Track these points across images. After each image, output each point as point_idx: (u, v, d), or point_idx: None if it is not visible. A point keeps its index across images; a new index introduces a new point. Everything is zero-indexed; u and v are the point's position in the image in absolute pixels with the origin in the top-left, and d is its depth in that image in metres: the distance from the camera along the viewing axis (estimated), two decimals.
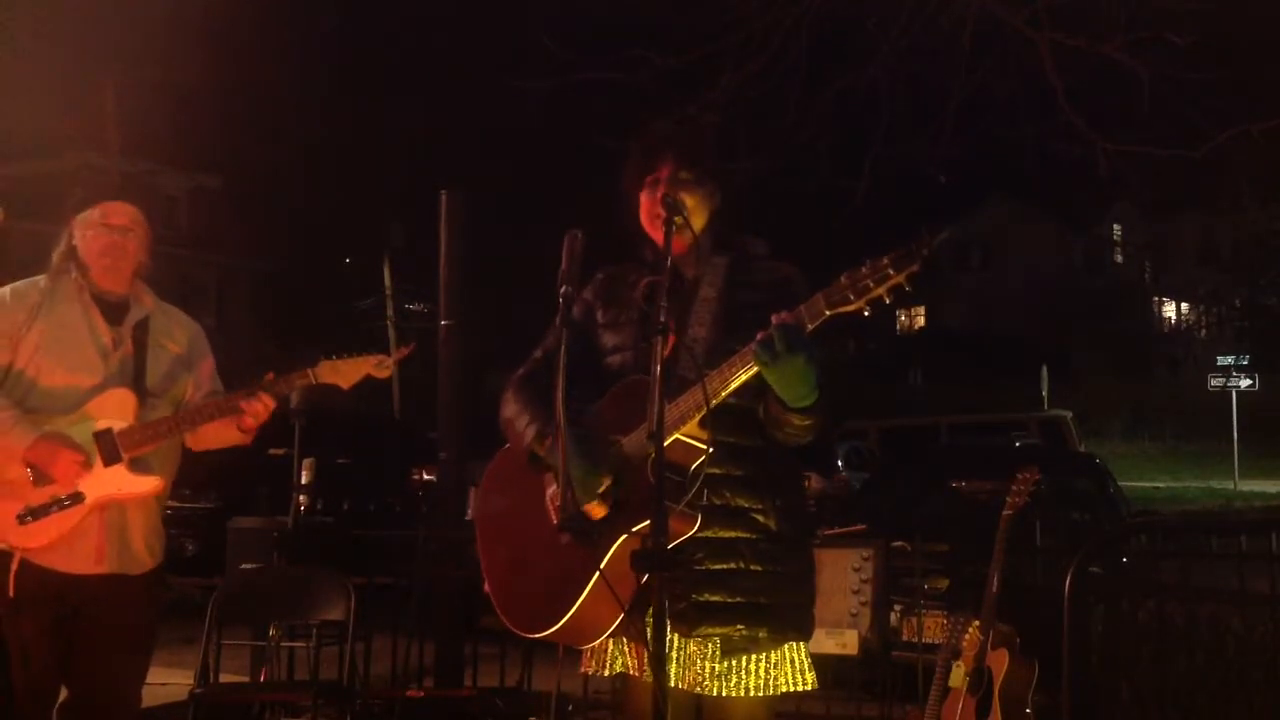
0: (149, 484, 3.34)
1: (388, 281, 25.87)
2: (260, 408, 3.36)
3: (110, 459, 3.28)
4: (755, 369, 2.43)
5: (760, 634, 2.66)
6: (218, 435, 3.48)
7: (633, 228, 2.85)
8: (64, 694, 3.36)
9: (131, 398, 3.35)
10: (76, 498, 3.23)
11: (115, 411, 3.32)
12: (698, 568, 2.63)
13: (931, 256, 2.26)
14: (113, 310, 3.43)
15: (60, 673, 3.30)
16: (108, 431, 3.29)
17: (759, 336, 2.38)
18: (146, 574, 3.39)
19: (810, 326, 2.38)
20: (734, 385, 2.47)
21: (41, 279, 3.43)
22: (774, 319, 2.39)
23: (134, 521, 3.36)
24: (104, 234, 3.40)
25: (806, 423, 2.56)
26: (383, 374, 3.51)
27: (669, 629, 2.64)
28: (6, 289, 3.41)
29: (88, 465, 3.24)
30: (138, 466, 3.32)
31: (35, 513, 3.19)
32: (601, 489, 2.52)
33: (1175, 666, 4.73)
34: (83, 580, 3.26)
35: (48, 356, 3.32)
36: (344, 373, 3.46)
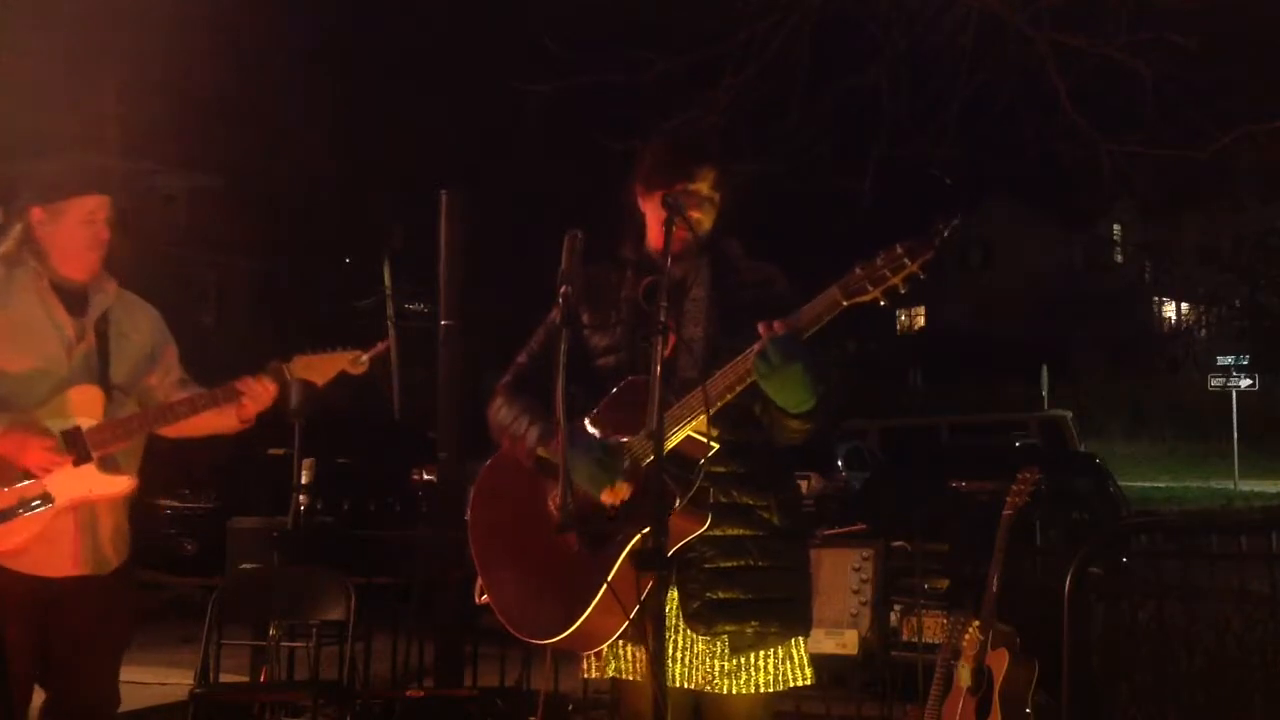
0: (120, 484, 3.25)
1: (388, 281, 25.87)
2: (261, 392, 3.28)
3: (80, 458, 3.16)
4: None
5: (772, 629, 2.68)
6: (205, 423, 3.36)
7: (627, 223, 2.84)
8: (42, 696, 3.30)
9: (98, 394, 3.24)
10: (45, 499, 3.12)
11: (82, 408, 3.21)
12: (709, 566, 2.64)
13: (945, 243, 2.28)
14: (73, 300, 3.30)
15: (36, 675, 3.23)
16: (76, 430, 3.17)
17: (754, 348, 2.39)
18: (115, 572, 3.31)
19: (828, 318, 2.40)
20: (738, 391, 2.48)
21: None
22: (762, 329, 2.40)
23: (103, 521, 3.26)
24: (90, 229, 3.30)
25: (806, 426, 2.59)
26: (358, 370, 3.43)
27: (686, 629, 2.65)
28: None
29: (59, 451, 3.13)
30: (107, 465, 3.21)
31: (3, 515, 3.08)
32: (620, 473, 2.52)
33: (1175, 666, 4.73)
34: (59, 583, 3.18)
35: (8, 350, 3.20)
36: (319, 368, 3.38)
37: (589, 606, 2.52)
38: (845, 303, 2.37)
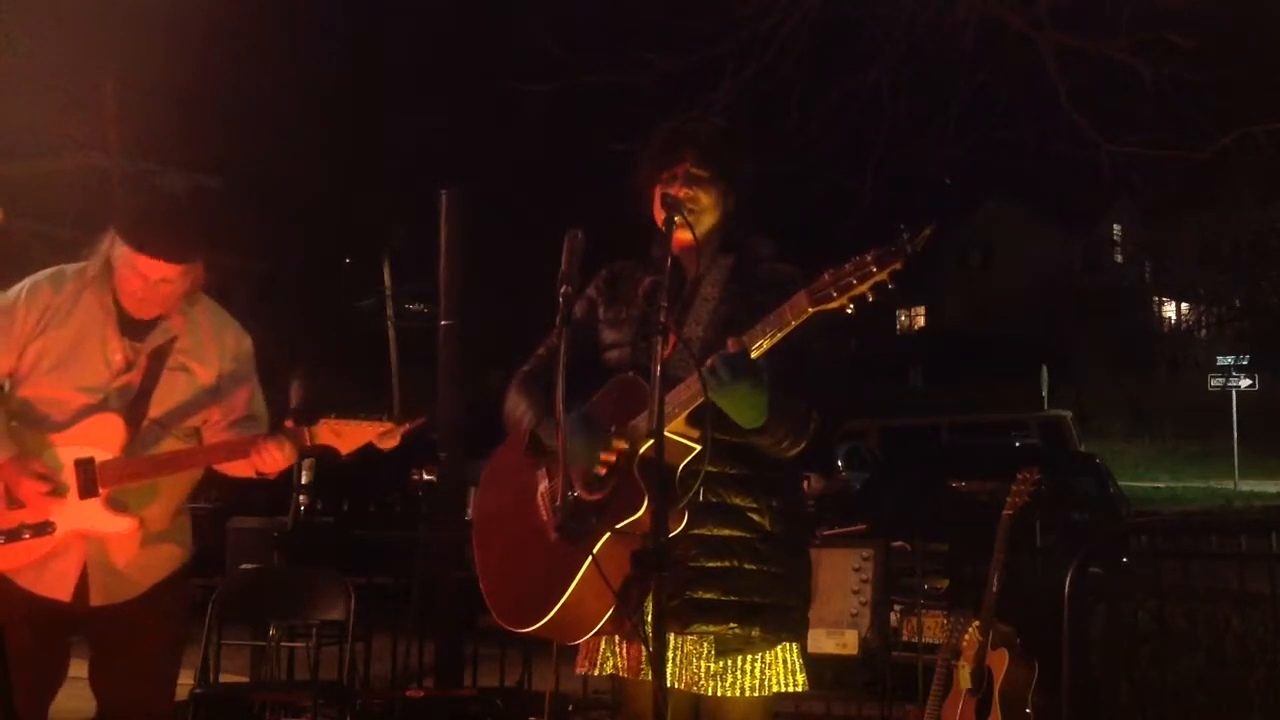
0: (120, 525, 3.05)
1: (388, 281, 25.85)
2: (278, 457, 3.08)
3: (86, 491, 3.00)
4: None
5: (753, 633, 2.65)
6: (222, 467, 3.23)
7: (646, 223, 2.85)
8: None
9: (120, 425, 3.06)
10: (45, 527, 2.97)
11: (100, 439, 3.03)
12: (692, 564, 2.63)
13: (915, 253, 2.26)
14: (135, 326, 3.13)
15: (54, 685, 3.17)
16: (89, 461, 3.01)
17: (706, 364, 2.40)
18: (146, 593, 3.16)
19: (794, 324, 2.38)
20: (697, 403, 2.46)
21: (69, 281, 3.13)
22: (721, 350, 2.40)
23: (116, 553, 3.10)
24: (136, 280, 3.06)
25: (765, 442, 2.59)
26: (387, 445, 3.13)
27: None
28: (24, 285, 3.13)
29: (57, 495, 2.99)
30: (114, 504, 3.04)
31: (7, 535, 2.95)
32: (607, 438, 2.53)
33: (1175, 666, 4.73)
34: (70, 607, 3.05)
35: (48, 373, 3.07)
36: (345, 437, 3.12)
37: (565, 593, 2.53)
38: (811, 309, 2.35)
